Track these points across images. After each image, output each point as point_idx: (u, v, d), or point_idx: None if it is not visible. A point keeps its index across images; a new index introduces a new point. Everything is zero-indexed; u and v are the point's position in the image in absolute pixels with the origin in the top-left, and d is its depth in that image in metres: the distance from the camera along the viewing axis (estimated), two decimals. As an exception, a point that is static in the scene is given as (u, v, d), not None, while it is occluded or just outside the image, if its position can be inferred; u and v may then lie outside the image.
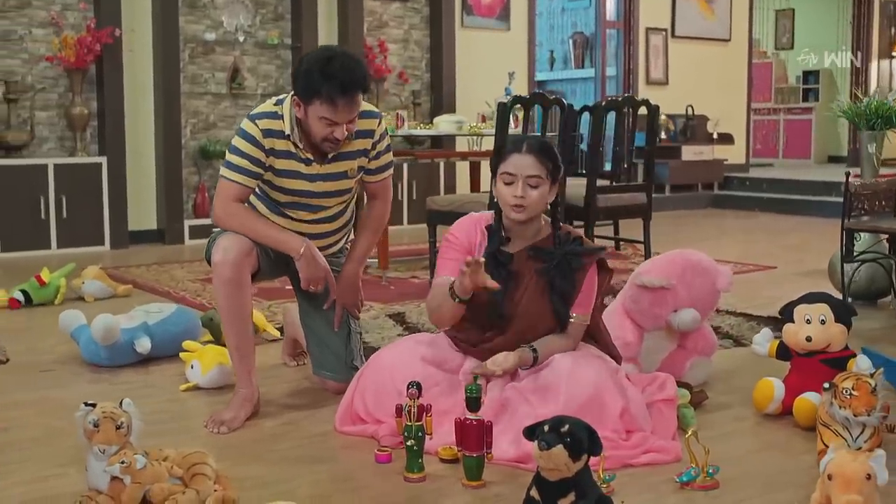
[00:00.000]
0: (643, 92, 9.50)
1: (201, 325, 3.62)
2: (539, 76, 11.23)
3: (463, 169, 7.33)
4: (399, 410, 2.30)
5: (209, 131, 6.99)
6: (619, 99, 5.08)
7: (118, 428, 2.11)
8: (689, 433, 2.25)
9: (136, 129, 6.61)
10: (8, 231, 6.07)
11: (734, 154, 10.11)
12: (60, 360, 3.48)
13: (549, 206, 2.62)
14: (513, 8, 8.55)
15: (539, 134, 3.65)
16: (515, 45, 8.62)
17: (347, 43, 7.38)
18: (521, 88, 8.34)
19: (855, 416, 2.31)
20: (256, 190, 2.87)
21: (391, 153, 2.99)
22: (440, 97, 7.99)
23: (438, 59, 8.02)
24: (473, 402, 2.26)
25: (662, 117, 9.49)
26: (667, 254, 3.14)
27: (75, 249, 6.24)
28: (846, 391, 2.32)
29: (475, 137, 6.04)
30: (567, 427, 1.85)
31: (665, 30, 9.62)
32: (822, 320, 2.73)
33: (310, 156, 2.79)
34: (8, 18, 6.19)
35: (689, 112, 9.59)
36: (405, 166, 7.47)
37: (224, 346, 3.66)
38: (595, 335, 2.74)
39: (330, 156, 2.81)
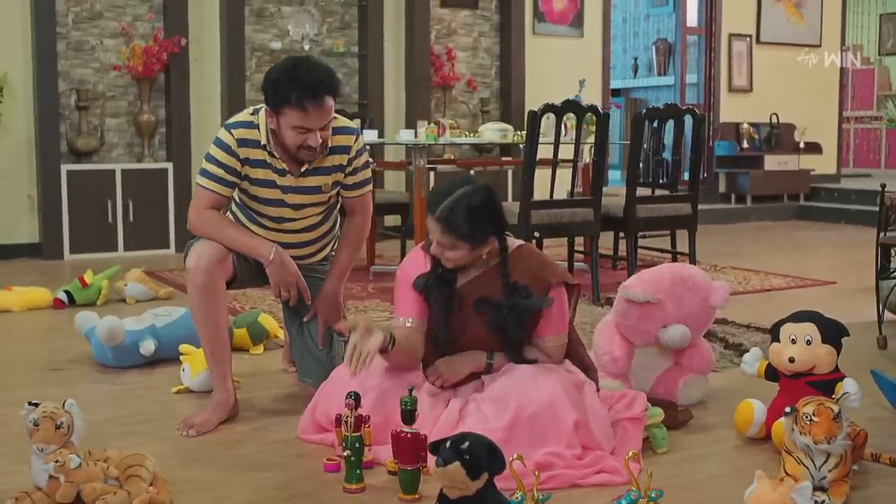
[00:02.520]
0: (725, 99, 9.26)
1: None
2: (622, 83, 11.07)
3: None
4: (338, 420, 2.30)
5: (275, 138, 7.11)
6: (662, 108, 4.93)
7: (58, 427, 2.17)
8: (630, 454, 2.17)
9: (202, 136, 6.77)
10: (77, 233, 6.31)
11: (823, 164, 9.71)
12: (74, 360, 3.60)
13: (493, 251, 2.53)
14: (586, 15, 8.44)
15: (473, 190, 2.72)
16: (589, 53, 8.49)
17: (414, 51, 7.44)
18: (594, 96, 8.22)
19: (815, 443, 2.18)
20: (236, 199, 2.91)
21: (370, 169, 2.98)
22: (509, 105, 7.95)
23: (508, 66, 7.97)
24: (408, 415, 2.23)
25: (744, 125, 9.22)
26: (657, 267, 3.03)
27: (141, 252, 6.45)
28: (806, 417, 2.20)
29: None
30: (467, 444, 1.81)
31: (749, 36, 9.32)
32: (808, 340, 2.59)
33: (284, 166, 2.81)
34: (81, 29, 6.45)
35: (774, 120, 9.27)
36: (471, 174, 7.44)
37: (236, 350, 3.76)
38: (568, 351, 2.67)
39: (304, 168, 2.82)
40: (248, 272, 2.89)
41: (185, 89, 6.62)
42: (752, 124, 9.27)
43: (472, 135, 5.85)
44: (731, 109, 9.26)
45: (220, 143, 2.78)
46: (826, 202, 9.33)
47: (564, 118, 4.96)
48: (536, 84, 7.97)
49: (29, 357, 3.75)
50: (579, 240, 5.61)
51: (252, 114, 2.82)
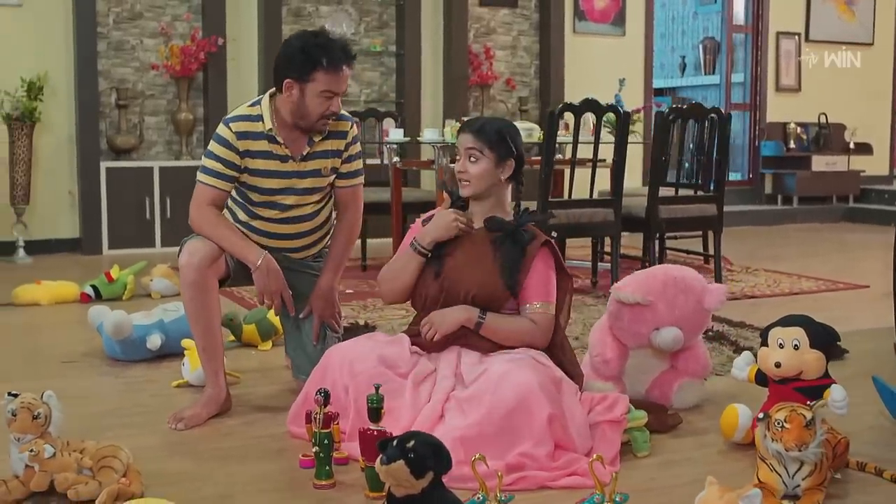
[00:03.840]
0: (772, 99, 9.11)
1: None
2: (669, 83, 10.95)
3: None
4: (308, 417, 2.32)
5: (311, 137, 7.18)
6: (685, 107, 4.87)
7: (35, 418, 2.23)
8: (594, 457, 2.15)
9: (239, 134, 6.88)
10: (116, 229, 6.46)
11: (875, 165, 9.47)
12: (87, 353, 3.68)
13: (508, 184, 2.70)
14: (628, 13, 8.35)
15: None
16: (631, 51, 8.40)
17: (451, 49, 7.44)
18: (636, 95, 8.15)
19: (786, 450, 2.14)
20: (233, 194, 2.95)
21: (361, 161, 3.01)
22: (548, 104, 7.90)
23: (547, 65, 7.93)
24: (374, 413, 2.24)
25: (791, 125, 9.04)
26: (649, 269, 3.00)
27: (178, 248, 6.54)
28: (778, 423, 2.16)
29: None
30: (412, 443, 1.81)
31: (798, 34, 9.14)
32: (796, 345, 2.54)
33: (287, 152, 2.86)
34: (121, 30, 6.60)
35: (823, 120, 9.07)
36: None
37: (245, 345, 3.82)
38: (557, 354, 2.66)
39: (306, 152, 2.87)
40: (242, 271, 2.92)
41: (223, 88, 6.72)
42: (799, 124, 9.09)
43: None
44: (779, 109, 9.09)
45: (218, 139, 2.84)
46: (877, 204, 9.11)
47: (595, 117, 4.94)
48: (576, 83, 7.91)
49: (48, 349, 3.84)
50: (608, 241, 5.57)
51: (251, 106, 2.87)
